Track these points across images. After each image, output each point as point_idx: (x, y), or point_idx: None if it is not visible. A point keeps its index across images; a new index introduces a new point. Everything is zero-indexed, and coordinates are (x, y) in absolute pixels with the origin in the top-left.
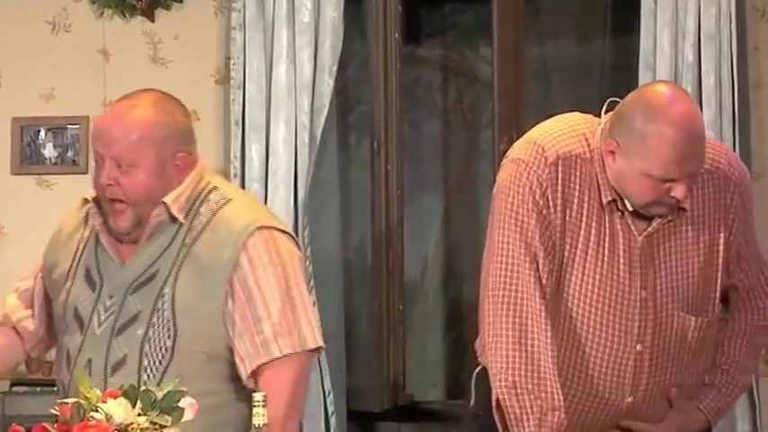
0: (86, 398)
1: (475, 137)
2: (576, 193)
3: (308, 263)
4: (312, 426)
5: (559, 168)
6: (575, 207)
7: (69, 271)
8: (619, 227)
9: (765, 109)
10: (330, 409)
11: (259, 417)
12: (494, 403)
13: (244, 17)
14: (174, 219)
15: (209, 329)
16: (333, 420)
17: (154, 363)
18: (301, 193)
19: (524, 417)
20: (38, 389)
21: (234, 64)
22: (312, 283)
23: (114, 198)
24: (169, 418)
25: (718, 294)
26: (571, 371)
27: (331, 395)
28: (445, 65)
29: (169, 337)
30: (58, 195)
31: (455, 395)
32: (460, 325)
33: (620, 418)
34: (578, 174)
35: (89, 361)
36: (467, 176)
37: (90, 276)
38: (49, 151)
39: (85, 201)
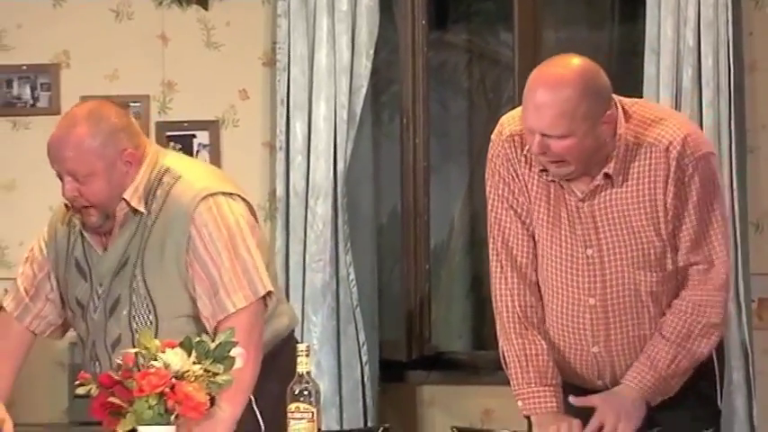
0: (147, 348)
1: (496, 114)
2: (528, 167)
3: (345, 227)
4: (348, 373)
5: (512, 145)
6: (527, 178)
7: (66, 264)
8: (561, 192)
9: (759, 89)
10: (364, 358)
11: (303, 365)
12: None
13: (288, 6)
14: (135, 210)
15: (181, 297)
16: (367, 369)
17: None
18: (340, 165)
19: (511, 359)
20: None
21: (279, 48)
22: (349, 246)
23: (81, 206)
24: (222, 366)
25: (670, 253)
26: (552, 323)
27: (365, 346)
28: (470, 49)
29: (150, 312)
30: None
31: (478, 346)
32: (483, 283)
33: (597, 367)
34: (525, 149)
35: (93, 343)
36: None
37: (80, 267)
38: None
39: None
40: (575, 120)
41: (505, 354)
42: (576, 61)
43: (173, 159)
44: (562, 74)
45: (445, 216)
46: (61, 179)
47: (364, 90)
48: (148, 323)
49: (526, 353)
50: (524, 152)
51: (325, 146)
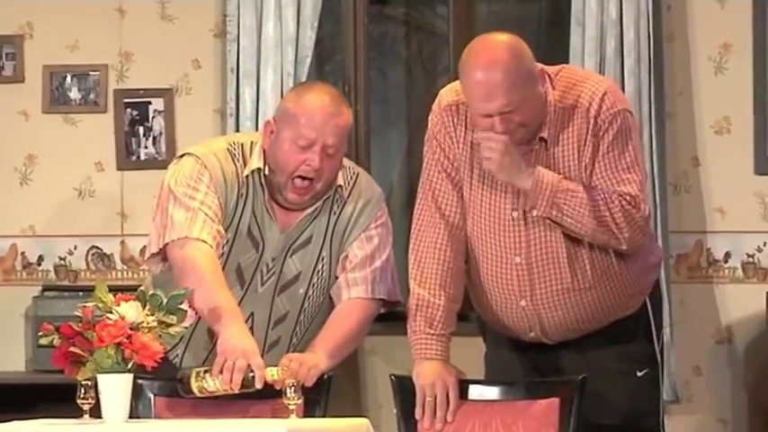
0: (103, 302)
1: (432, 82)
2: (462, 134)
3: None
4: None
5: (448, 114)
6: (461, 144)
7: (230, 225)
8: None
9: (676, 58)
10: None
11: None
12: None
13: None
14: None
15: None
16: None
17: (308, 316)
18: None
19: (412, 305)
20: (65, 293)
21: (229, 20)
22: None
23: (309, 177)
24: (174, 317)
25: None
26: (482, 279)
27: None
28: (407, 21)
29: (322, 294)
30: (82, 131)
31: None
32: None
33: (526, 320)
34: (462, 118)
35: (251, 314)
36: (426, 115)
37: (252, 236)
38: (74, 94)
39: (229, 155)
40: (521, 84)
41: (410, 298)
42: (499, 37)
43: None
44: (494, 53)
45: (385, 177)
46: (298, 148)
47: (309, 59)
48: (317, 306)
49: (418, 303)
50: (461, 122)
51: (272, 113)
